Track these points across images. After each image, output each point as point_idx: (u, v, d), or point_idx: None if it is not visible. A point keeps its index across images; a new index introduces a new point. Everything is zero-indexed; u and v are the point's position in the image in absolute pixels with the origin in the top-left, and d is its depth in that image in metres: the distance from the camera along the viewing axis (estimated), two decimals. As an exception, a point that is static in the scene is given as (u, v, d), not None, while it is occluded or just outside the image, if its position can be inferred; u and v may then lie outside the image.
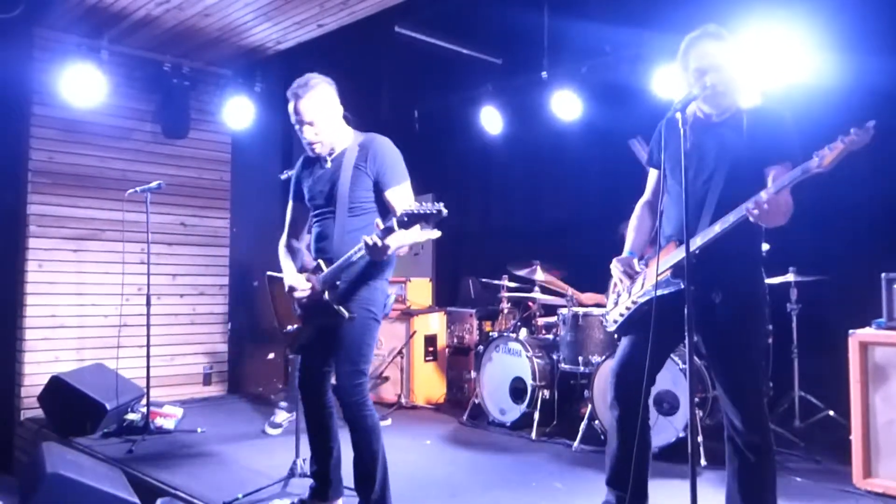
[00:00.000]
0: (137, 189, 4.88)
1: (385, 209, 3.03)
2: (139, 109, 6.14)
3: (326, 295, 2.94)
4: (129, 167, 6.04)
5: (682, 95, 2.55)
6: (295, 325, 3.14)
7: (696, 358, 4.22)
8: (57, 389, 4.95)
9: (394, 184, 3.02)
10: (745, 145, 2.58)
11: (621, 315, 2.89)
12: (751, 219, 2.37)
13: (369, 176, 3.01)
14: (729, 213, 2.47)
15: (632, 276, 2.83)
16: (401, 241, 2.84)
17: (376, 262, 2.93)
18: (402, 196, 3.01)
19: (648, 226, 2.95)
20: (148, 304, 4.83)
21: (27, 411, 5.49)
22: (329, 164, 3.09)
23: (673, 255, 2.65)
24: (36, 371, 5.51)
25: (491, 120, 6.58)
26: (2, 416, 5.57)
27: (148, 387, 4.82)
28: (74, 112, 5.68)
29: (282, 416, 5.03)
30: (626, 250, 2.91)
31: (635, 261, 2.85)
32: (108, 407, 4.85)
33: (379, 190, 3.03)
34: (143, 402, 5.05)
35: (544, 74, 6.03)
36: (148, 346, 4.78)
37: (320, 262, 3.01)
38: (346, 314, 2.92)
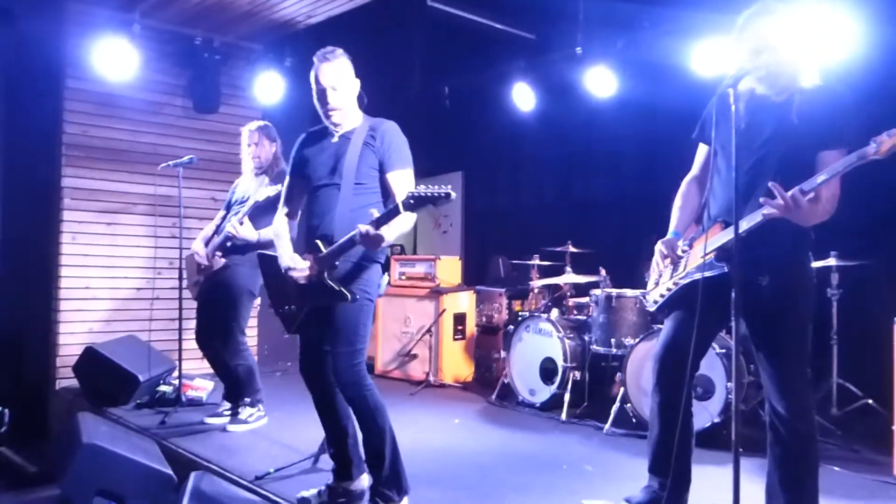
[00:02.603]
0: (170, 163, 4.87)
1: (387, 192, 3.01)
2: (170, 84, 6.15)
3: (326, 276, 2.89)
4: (161, 141, 6.06)
5: (734, 70, 2.46)
6: (292, 307, 3.09)
7: (731, 342, 4.18)
8: (91, 360, 5.01)
9: (398, 167, 2.99)
10: (802, 128, 2.46)
11: (661, 296, 2.83)
12: (776, 212, 2.29)
13: (376, 154, 2.99)
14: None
15: (675, 258, 2.75)
16: (396, 230, 2.80)
17: (380, 251, 2.92)
18: (404, 181, 2.98)
19: (695, 204, 2.86)
20: (180, 277, 4.84)
21: (62, 381, 5.58)
22: (336, 139, 3.05)
23: (717, 238, 2.57)
24: (70, 342, 5.60)
25: (523, 97, 6.49)
26: (38, 385, 5.68)
27: (180, 359, 4.86)
28: (107, 86, 5.70)
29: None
30: (670, 230, 2.83)
31: (679, 242, 2.77)
32: (141, 379, 4.91)
33: (382, 171, 3.00)
34: (175, 374, 5.09)
35: (579, 50, 5.92)
36: (180, 318, 4.79)
37: (318, 241, 2.95)
38: (349, 295, 2.87)
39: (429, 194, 2.58)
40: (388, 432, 2.94)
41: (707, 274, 2.52)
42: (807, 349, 2.57)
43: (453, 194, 2.59)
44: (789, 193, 2.26)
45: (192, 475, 3.02)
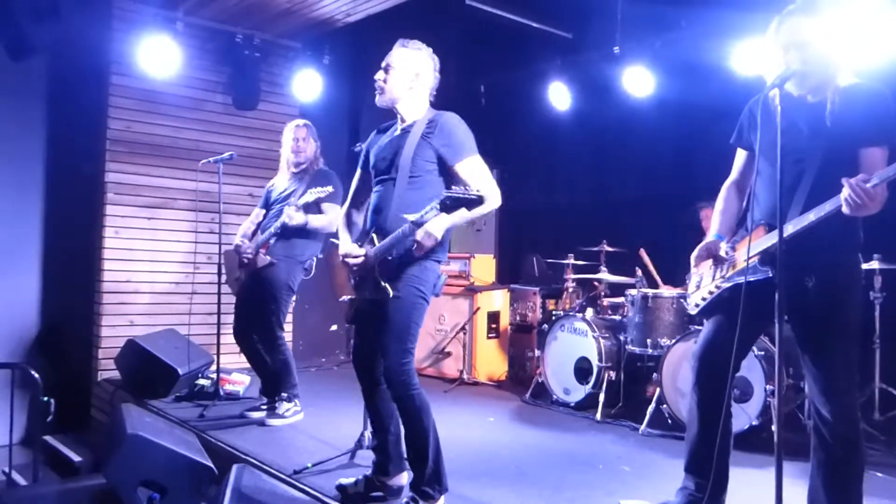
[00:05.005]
0: (211, 159, 4.95)
1: (451, 184, 2.99)
2: (211, 81, 6.24)
3: (376, 269, 2.92)
4: (201, 137, 6.16)
5: (777, 72, 2.44)
6: (349, 296, 3.13)
7: (770, 345, 4.13)
8: (133, 353, 5.11)
9: (463, 157, 2.98)
10: (839, 127, 2.44)
11: (703, 299, 2.81)
12: (846, 211, 2.25)
13: (433, 148, 2.98)
14: (823, 198, 2.35)
15: (718, 260, 2.74)
16: (448, 224, 2.86)
17: (431, 250, 2.92)
18: (473, 169, 2.97)
19: (735, 208, 2.85)
20: (219, 272, 4.91)
21: (103, 372, 5.70)
22: (398, 133, 3.09)
23: (761, 241, 2.55)
24: (112, 334, 5.72)
25: (559, 95, 6.48)
26: (80, 376, 5.80)
27: (218, 353, 4.93)
28: (150, 82, 5.80)
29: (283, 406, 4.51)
30: (711, 233, 2.82)
31: (722, 244, 2.75)
32: (181, 372, 4.99)
33: (446, 164, 2.99)
34: (213, 368, 5.17)
35: (616, 49, 5.88)
36: (218, 313, 4.87)
37: (373, 234, 2.99)
38: (391, 292, 2.88)
39: (463, 197, 2.63)
40: (431, 432, 2.94)
41: (750, 278, 2.50)
42: (855, 353, 2.54)
43: (484, 195, 2.68)
44: (859, 187, 2.20)
45: (234, 468, 3.06)
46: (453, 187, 2.70)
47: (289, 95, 6.56)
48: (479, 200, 2.64)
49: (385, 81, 3.04)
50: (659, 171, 6.20)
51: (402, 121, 3.10)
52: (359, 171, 3.29)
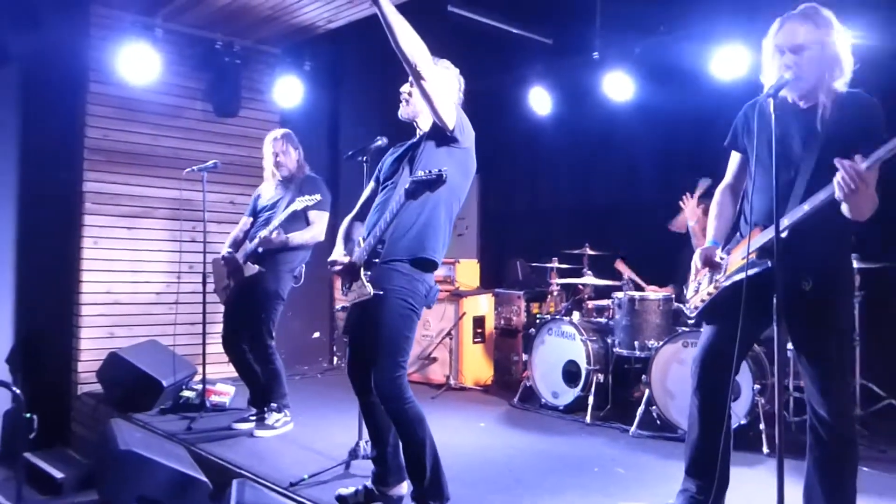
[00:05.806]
0: (195, 168, 4.89)
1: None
2: (191, 88, 6.16)
3: (361, 271, 2.92)
4: (181, 145, 6.07)
5: (773, 79, 2.49)
6: (344, 305, 3.12)
7: (756, 345, 4.20)
8: (116, 365, 5.02)
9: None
10: (833, 134, 2.49)
11: (702, 301, 2.85)
12: (839, 196, 2.30)
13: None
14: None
15: (715, 265, 2.78)
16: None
17: (420, 249, 2.92)
18: None
19: (731, 212, 2.88)
20: (203, 281, 4.84)
21: (83, 386, 5.58)
22: (413, 140, 3.13)
23: (759, 238, 2.58)
24: (92, 346, 5.60)
25: (540, 101, 6.54)
26: (60, 390, 5.67)
27: (204, 364, 4.86)
28: (129, 90, 5.71)
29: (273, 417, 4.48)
30: (708, 238, 2.86)
31: (718, 250, 2.79)
32: (165, 384, 4.92)
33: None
34: (197, 379, 5.10)
35: (596, 55, 5.95)
36: (204, 323, 4.80)
37: (360, 239, 3.00)
38: (370, 290, 2.87)
39: (425, 179, 2.73)
40: (428, 443, 2.93)
41: (750, 272, 2.51)
42: (849, 353, 2.60)
43: (445, 171, 2.72)
44: (853, 168, 2.23)
45: (234, 483, 3.02)
46: (418, 172, 2.79)
47: (269, 102, 6.51)
48: (439, 180, 2.71)
49: (411, 94, 3.07)
50: (639, 174, 6.28)
51: (418, 128, 3.14)
52: (371, 184, 3.28)
